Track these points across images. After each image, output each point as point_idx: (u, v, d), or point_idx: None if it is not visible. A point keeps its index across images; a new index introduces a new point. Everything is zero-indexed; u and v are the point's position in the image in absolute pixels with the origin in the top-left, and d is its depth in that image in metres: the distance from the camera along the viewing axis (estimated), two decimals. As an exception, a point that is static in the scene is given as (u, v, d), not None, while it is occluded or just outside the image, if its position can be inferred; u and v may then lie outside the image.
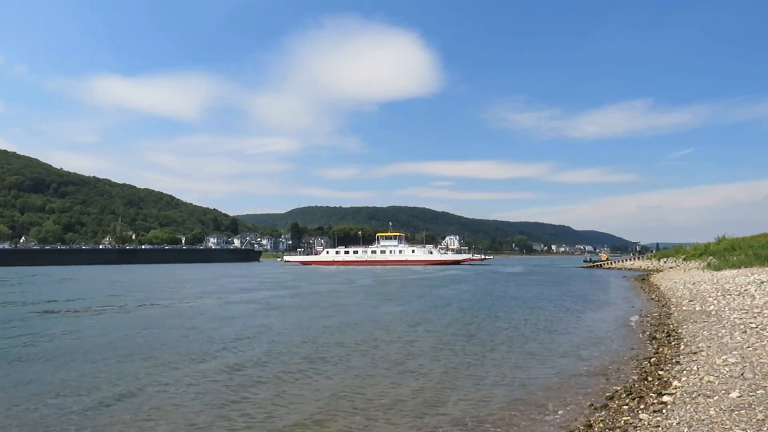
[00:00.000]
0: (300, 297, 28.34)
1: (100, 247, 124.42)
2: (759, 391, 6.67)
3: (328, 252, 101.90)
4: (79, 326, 16.93)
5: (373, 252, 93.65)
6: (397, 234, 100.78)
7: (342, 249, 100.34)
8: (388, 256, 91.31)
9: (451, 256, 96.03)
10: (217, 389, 9.09)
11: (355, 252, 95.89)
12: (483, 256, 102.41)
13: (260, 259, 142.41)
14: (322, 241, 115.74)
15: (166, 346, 13.27)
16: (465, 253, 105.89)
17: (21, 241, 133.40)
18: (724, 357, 8.91)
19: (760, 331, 10.49)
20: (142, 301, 25.70)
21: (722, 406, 6.29)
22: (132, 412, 7.80)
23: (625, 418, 7.02)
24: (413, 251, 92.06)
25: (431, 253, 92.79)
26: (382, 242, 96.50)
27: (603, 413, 7.49)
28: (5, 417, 7.68)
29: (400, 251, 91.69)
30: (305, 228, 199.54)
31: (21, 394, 8.81)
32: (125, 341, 13.90)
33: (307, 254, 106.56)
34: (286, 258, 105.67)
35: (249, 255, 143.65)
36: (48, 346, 13.32)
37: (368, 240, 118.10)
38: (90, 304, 24.83)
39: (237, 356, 11.88)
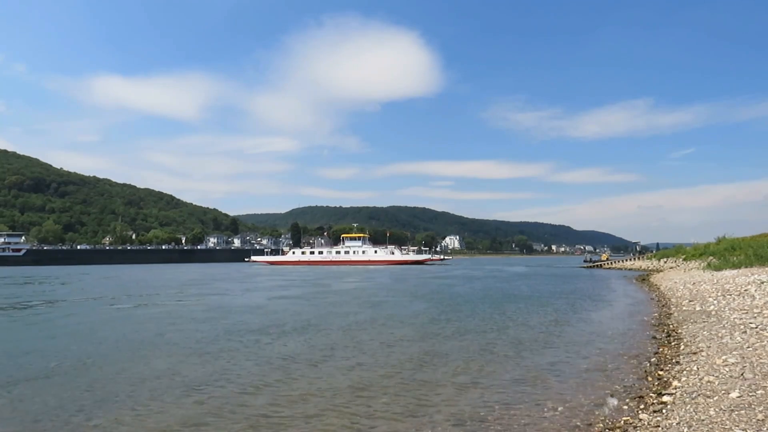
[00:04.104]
0: (336, 294, 31.05)
1: (163, 247, 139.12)
2: (759, 391, 6.67)
3: (294, 252, 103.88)
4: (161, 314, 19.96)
5: (338, 252, 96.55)
6: (361, 235, 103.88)
7: (308, 249, 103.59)
8: (351, 257, 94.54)
9: (412, 257, 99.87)
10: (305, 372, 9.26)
11: (320, 252, 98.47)
12: (442, 257, 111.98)
13: None
14: (322, 240, 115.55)
15: (234, 335, 14.61)
16: (426, 253, 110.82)
17: (21, 240, 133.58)
18: (724, 357, 8.91)
19: (760, 331, 10.49)
20: (208, 296, 29.34)
21: (722, 406, 6.29)
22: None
23: (625, 418, 7.03)
24: (375, 252, 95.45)
25: (393, 253, 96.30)
26: (347, 243, 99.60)
27: (603, 412, 7.49)
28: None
29: (363, 251, 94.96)
30: (305, 228, 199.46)
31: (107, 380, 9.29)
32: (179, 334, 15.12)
33: (275, 254, 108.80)
34: (253, 258, 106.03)
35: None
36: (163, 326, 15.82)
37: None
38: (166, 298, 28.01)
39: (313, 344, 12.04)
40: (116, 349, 13.03)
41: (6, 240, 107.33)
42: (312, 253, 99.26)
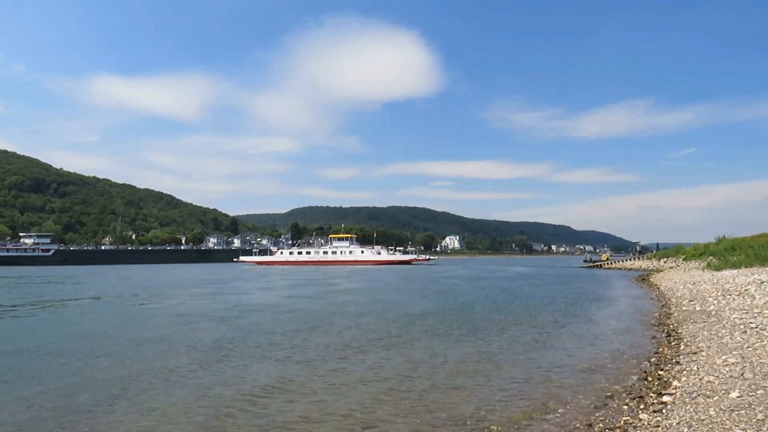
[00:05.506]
0: (344, 293, 32.12)
1: (182, 248, 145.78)
2: (759, 391, 6.67)
3: (282, 252, 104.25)
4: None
5: (325, 253, 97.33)
6: (349, 235, 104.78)
7: (296, 250, 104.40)
8: (339, 257, 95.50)
9: (399, 257, 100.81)
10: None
11: (308, 253, 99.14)
12: (428, 257, 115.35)
13: None
14: (322, 240, 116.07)
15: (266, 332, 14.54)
16: (412, 254, 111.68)
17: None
18: (724, 357, 8.91)
19: (760, 331, 10.49)
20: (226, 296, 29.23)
21: (722, 406, 6.29)
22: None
23: (625, 418, 7.03)
24: (362, 252, 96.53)
25: (379, 253, 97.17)
26: (335, 243, 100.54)
27: (603, 413, 7.49)
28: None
29: (350, 252, 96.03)
30: (305, 228, 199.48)
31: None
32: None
33: (263, 254, 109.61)
34: (242, 258, 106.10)
35: None
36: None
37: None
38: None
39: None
40: (131, 347, 13.05)
41: (36, 241, 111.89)
42: (300, 253, 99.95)
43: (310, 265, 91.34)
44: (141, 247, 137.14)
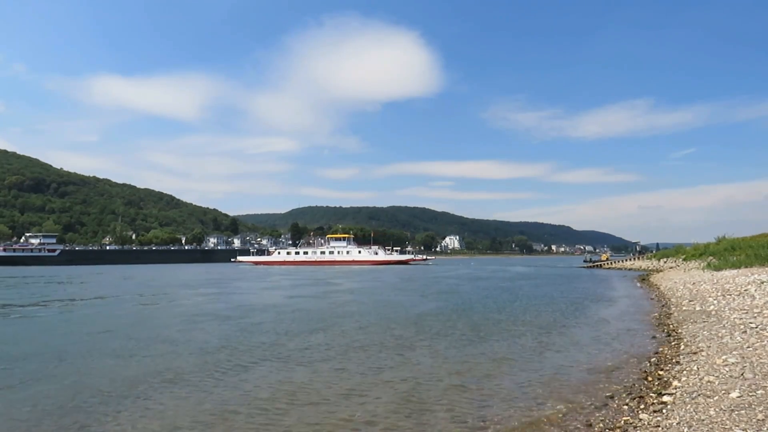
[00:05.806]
0: (346, 293, 32.20)
1: (186, 248, 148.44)
2: (759, 391, 6.69)
3: (279, 253, 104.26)
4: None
5: (322, 253, 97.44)
6: (346, 235, 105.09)
7: (293, 250, 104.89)
8: (336, 257, 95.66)
9: (396, 257, 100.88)
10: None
11: (305, 253, 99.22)
12: (425, 257, 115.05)
13: None
14: (322, 240, 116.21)
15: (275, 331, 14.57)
16: (409, 254, 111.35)
17: (21, 241, 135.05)
18: (724, 357, 8.93)
19: (760, 331, 10.51)
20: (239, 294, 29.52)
21: (722, 406, 6.31)
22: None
23: (625, 418, 7.05)
24: (359, 252, 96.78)
25: (376, 254, 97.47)
26: (332, 243, 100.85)
27: (603, 413, 7.51)
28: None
29: (348, 252, 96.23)
30: (305, 228, 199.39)
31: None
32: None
33: (261, 254, 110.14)
34: (239, 258, 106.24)
35: None
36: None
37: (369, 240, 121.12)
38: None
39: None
40: (135, 347, 13.07)
41: (42, 241, 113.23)
42: (297, 253, 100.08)
43: (306, 265, 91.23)
44: (145, 247, 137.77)
